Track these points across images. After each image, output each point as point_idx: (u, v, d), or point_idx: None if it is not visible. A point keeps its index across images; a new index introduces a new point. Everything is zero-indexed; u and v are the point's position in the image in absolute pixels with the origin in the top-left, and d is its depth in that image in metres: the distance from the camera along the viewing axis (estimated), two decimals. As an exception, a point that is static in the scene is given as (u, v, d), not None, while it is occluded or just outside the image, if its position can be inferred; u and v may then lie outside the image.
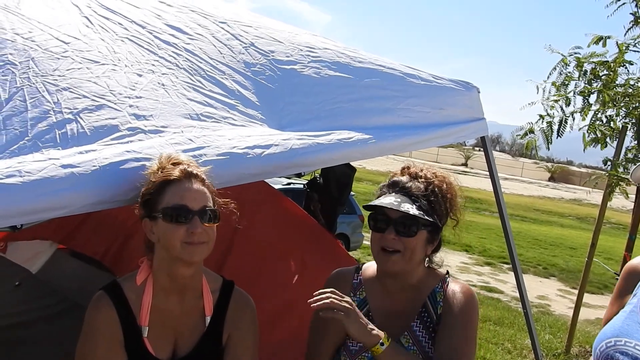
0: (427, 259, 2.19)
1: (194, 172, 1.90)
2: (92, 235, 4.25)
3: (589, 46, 6.04)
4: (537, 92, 6.24)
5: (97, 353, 1.91)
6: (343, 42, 3.39)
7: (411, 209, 2.01)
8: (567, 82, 6.15)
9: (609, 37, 5.95)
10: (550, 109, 6.17)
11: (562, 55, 6.19)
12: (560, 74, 6.19)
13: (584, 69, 6.06)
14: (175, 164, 1.89)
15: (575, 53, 6.15)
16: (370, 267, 2.25)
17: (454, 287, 2.14)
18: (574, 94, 6.11)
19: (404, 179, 2.12)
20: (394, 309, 2.14)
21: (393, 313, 2.14)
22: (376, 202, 2.06)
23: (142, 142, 2.04)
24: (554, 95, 6.19)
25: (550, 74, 6.25)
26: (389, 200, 2.04)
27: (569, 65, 6.16)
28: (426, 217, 2.03)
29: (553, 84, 6.17)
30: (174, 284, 1.96)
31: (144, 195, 1.87)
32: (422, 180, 2.11)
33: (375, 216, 2.08)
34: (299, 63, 2.93)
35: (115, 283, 1.99)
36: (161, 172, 1.87)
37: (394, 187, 2.12)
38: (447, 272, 2.23)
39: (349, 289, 2.20)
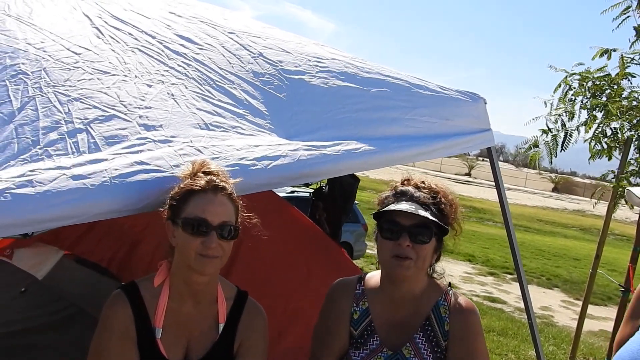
0: (430, 268, 2.19)
1: (221, 184, 1.92)
2: (100, 241, 4.27)
3: (593, 59, 6.04)
4: (546, 107, 6.25)
5: (111, 349, 1.93)
6: (347, 51, 3.40)
7: (427, 215, 2.02)
8: (573, 98, 6.15)
9: (614, 50, 5.96)
10: (554, 123, 6.17)
11: (565, 72, 6.20)
12: (564, 92, 6.19)
13: (587, 85, 6.06)
14: (205, 173, 1.92)
15: (575, 73, 6.16)
16: (372, 277, 2.25)
17: (459, 303, 2.15)
18: (580, 109, 6.12)
19: (410, 189, 2.13)
20: (396, 320, 2.15)
21: (396, 324, 2.14)
22: (392, 207, 2.05)
23: (152, 152, 2.06)
24: (558, 109, 6.19)
25: (555, 90, 6.25)
26: (404, 206, 2.03)
27: (571, 84, 6.16)
28: (441, 222, 2.04)
29: (562, 100, 6.17)
30: (189, 289, 1.98)
31: (171, 199, 1.90)
32: (427, 190, 2.13)
33: (386, 224, 2.07)
34: (307, 73, 2.94)
35: (133, 283, 2.02)
36: (190, 180, 1.90)
37: (403, 195, 2.11)
38: (450, 284, 2.24)
39: (352, 299, 2.20)
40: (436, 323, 2.12)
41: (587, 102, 6.06)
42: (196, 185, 1.88)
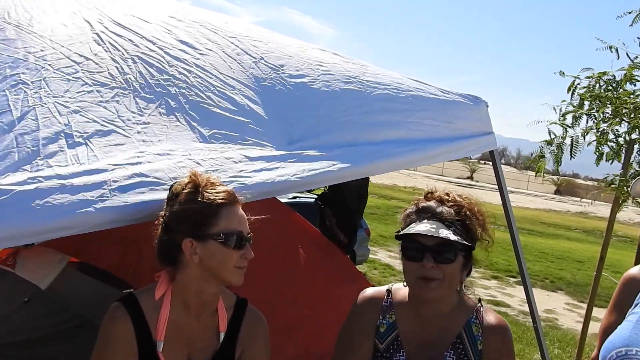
0: (460, 284, 2.11)
1: (236, 195, 1.92)
2: (105, 247, 4.24)
3: (611, 48, 5.96)
4: (556, 112, 6.22)
5: None
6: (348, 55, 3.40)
7: (449, 234, 1.93)
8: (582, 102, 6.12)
9: (618, 42, 5.92)
10: (561, 126, 6.13)
11: (573, 77, 6.17)
12: (573, 93, 6.16)
13: (595, 92, 6.03)
14: (213, 184, 1.90)
15: (582, 76, 6.13)
16: (401, 289, 2.16)
17: (492, 321, 2.08)
18: (586, 116, 6.08)
19: (433, 204, 2.05)
20: (425, 337, 2.07)
21: (424, 340, 2.06)
22: (412, 230, 1.96)
23: (151, 164, 2.06)
24: (565, 113, 6.16)
25: (571, 93, 6.22)
26: (424, 227, 1.95)
27: (577, 88, 6.14)
28: (464, 241, 1.95)
29: (574, 107, 6.12)
30: (198, 300, 1.96)
31: (187, 213, 1.85)
32: (451, 204, 2.04)
33: (409, 245, 1.98)
34: (308, 77, 2.93)
35: (132, 295, 1.98)
36: (207, 193, 1.86)
37: (425, 213, 2.03)
38: (480, 300, 2.17)
39: (379, 310, 2.13)
40: (468, 342, 2.05)
41: (592, 105, 6.03)
42: (220, 199, 1.86)
